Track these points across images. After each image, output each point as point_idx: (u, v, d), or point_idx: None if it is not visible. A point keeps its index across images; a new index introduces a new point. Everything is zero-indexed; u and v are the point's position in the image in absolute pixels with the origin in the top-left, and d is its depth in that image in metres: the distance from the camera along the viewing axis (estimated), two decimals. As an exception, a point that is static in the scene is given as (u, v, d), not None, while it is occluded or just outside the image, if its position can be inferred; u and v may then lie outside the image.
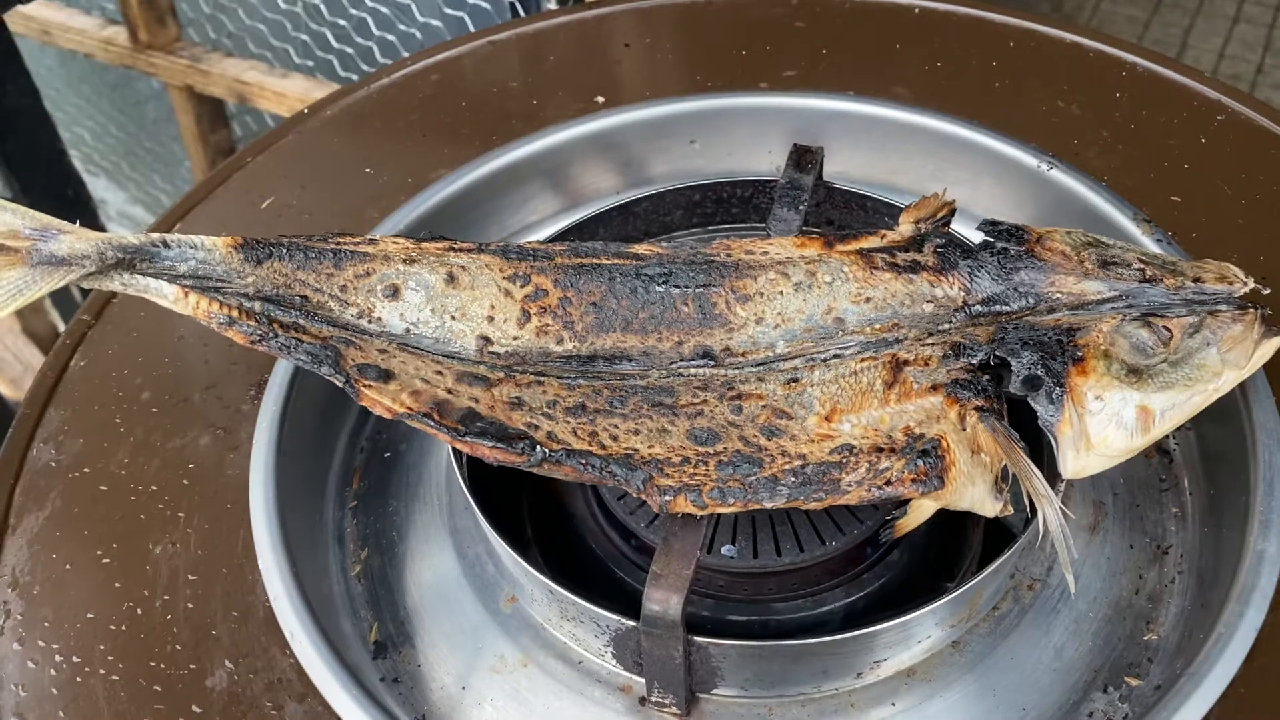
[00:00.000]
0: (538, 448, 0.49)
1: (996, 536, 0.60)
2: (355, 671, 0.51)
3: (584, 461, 0.49)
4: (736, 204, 0.71)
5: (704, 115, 0.76)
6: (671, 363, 0.56)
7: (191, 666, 0.51)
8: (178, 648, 0.52)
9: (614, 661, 0.53)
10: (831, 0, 0.83)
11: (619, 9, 0.85)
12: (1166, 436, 0.63)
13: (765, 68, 0.79)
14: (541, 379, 0.54)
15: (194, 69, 1.48)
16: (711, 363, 0.56)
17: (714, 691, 0.52)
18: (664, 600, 0.48)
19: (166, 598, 0.54)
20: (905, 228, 0.60)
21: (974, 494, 0.50)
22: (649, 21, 0.84)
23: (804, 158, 0.67)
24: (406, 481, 0.64)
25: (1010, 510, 0.51)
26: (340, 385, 0.49)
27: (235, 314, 0.50)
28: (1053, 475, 0.53)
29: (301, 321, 0.51)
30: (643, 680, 0.52)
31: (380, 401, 0.49)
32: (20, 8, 1.52)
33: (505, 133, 0.76)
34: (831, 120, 0.75)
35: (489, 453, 0.48)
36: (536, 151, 0.75)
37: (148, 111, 1.76)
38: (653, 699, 0.52)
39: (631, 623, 0.49)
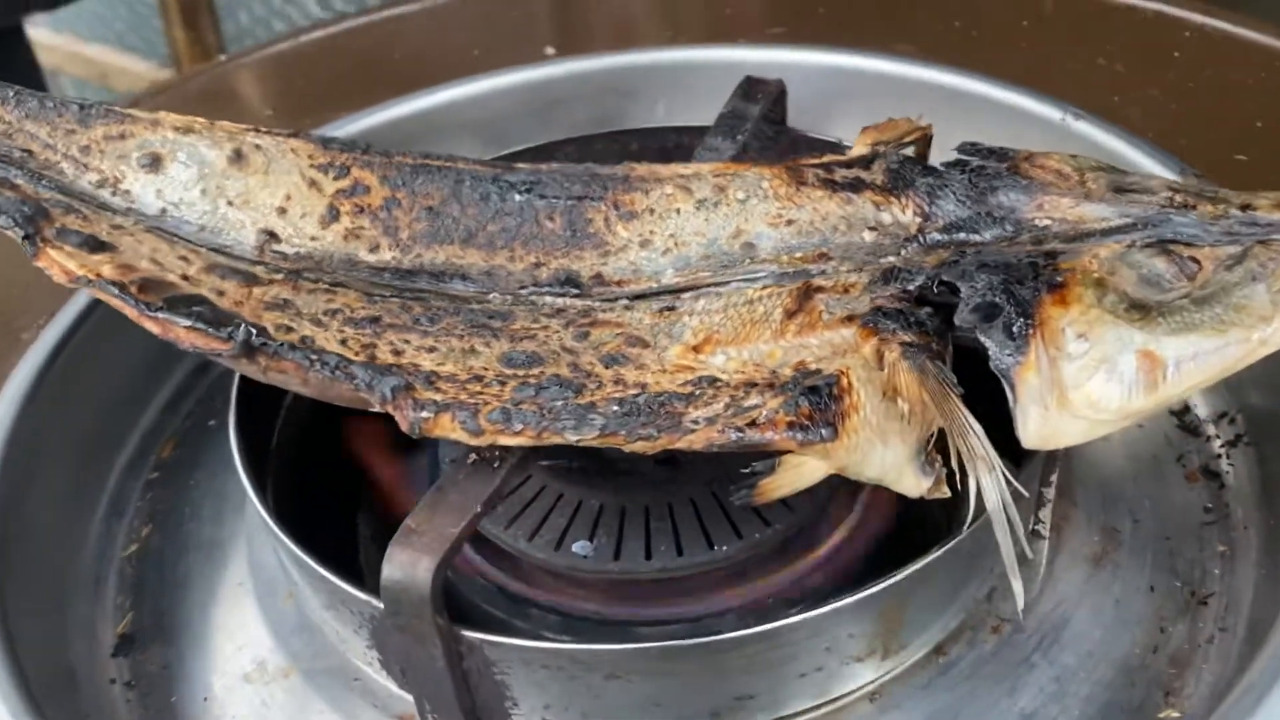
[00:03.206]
0: (242, 328, 0.35)
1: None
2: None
3: (312, 358, 0.35)
4: (683, 157, 0.58)
5: (666, 70, 0.64)
6: (522, 287, 0.42)
7: None
8: None
9: (385, 674, 0.39)
10: (841, -36, 0.71)
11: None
12: (1217, 454, 0.46)
13: (749, 25, 0.67)
14: (335, 289, 0.41)
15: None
16: (575, 290, 0.42)
17: (510, 725, 0.37)
18: (410, 564, 0.33)
19: None
20: (858, 150, 0.46)
21: (885, 457, 0.35)
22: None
23: (754, 88, 0.54)
24: (223, 452, 0.51)
25: (945, 491, 0.36)
26: (16, 239, 0.37)
27: (-101, 153, 0.38)
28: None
29: (19, 181, 0.39)
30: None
31: (63, 264, 0.36)
32: (83, 49, 1.52)
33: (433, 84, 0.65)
34: (819, 78, 0.61)
35: (184, 335, 0.35)
36: (459, 100, 0.63)
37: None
38: (428, 729, 0.37)
39: (379, 603, 0.35)
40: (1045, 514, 0.42)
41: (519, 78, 0.64)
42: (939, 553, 0.35)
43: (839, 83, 0.61)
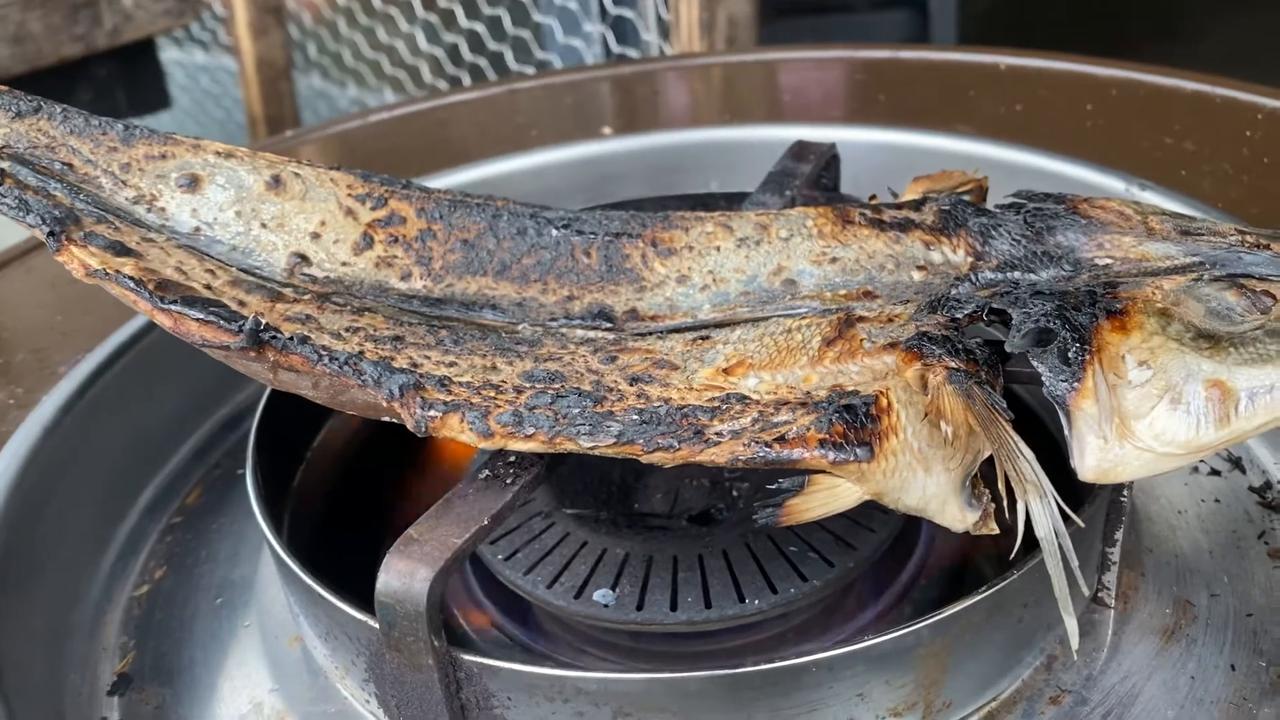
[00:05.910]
0: (251, 318, 0.34)
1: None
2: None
3: (321, 352, 0.34)
4: (733, 226, 0.57)
5: (719, 148, 0.64)
6: (552, 319, 0.41)
7: None
8: None
9: (384, 712, 0.36)
10: (903, 60, 0.71)
11: (669, 65, 0.76)
12: (1306, 529, 0.42)
13: (807, 112, 0.67)
14: (361, 314, 0.40)
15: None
16: (608, 324, 0.40)
17: (511, 773, 0.34)
18: (407, 573, 0.31)
19: None
20: (910, 197, 0.44)
21: (927, 485, 0.32)
22: (691, 75, 0.74)
23: (804, 150, 0.53)
24: (248, 499, 0.50)
25: (993, 527, 0.32)
26: (41, 235, 0.36)
27: (-52, 154, 0.39)
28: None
29: (56, 193, 0.39)
30: (417, 746, 0.34)
31: (83, 260, 0.35)
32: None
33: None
34: (875, 154, 0.61)
35: (195, 328, 0.34)
36: (514, 172, 0.63)
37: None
38: (423, 775, 0.34)
39: (374, 623, 0.32)
40: (1110, 579, 0.38)
41: (574, 152, 0.64)
42: (986, 593, 0.32)
43: (895, 159, 0.60)
